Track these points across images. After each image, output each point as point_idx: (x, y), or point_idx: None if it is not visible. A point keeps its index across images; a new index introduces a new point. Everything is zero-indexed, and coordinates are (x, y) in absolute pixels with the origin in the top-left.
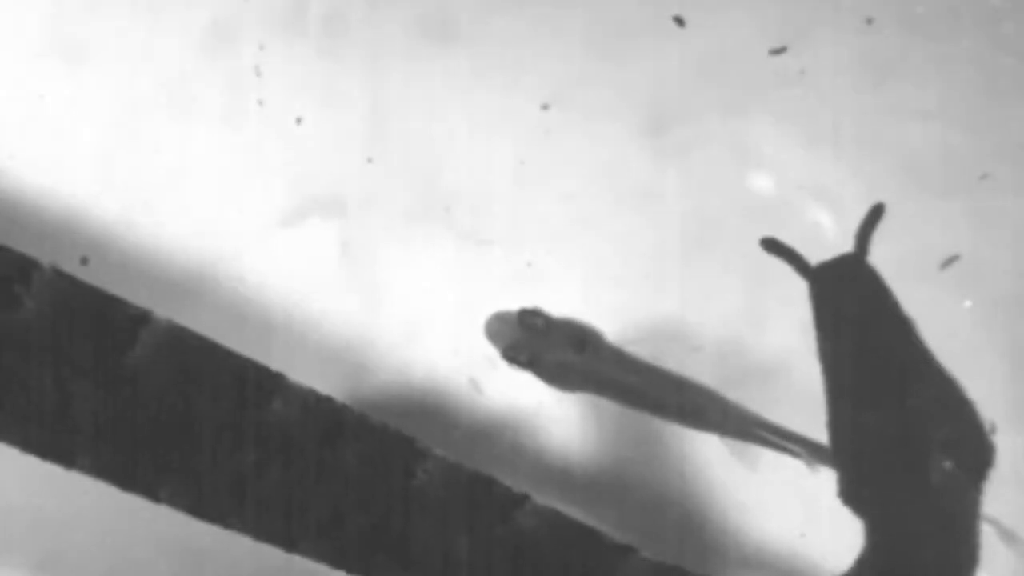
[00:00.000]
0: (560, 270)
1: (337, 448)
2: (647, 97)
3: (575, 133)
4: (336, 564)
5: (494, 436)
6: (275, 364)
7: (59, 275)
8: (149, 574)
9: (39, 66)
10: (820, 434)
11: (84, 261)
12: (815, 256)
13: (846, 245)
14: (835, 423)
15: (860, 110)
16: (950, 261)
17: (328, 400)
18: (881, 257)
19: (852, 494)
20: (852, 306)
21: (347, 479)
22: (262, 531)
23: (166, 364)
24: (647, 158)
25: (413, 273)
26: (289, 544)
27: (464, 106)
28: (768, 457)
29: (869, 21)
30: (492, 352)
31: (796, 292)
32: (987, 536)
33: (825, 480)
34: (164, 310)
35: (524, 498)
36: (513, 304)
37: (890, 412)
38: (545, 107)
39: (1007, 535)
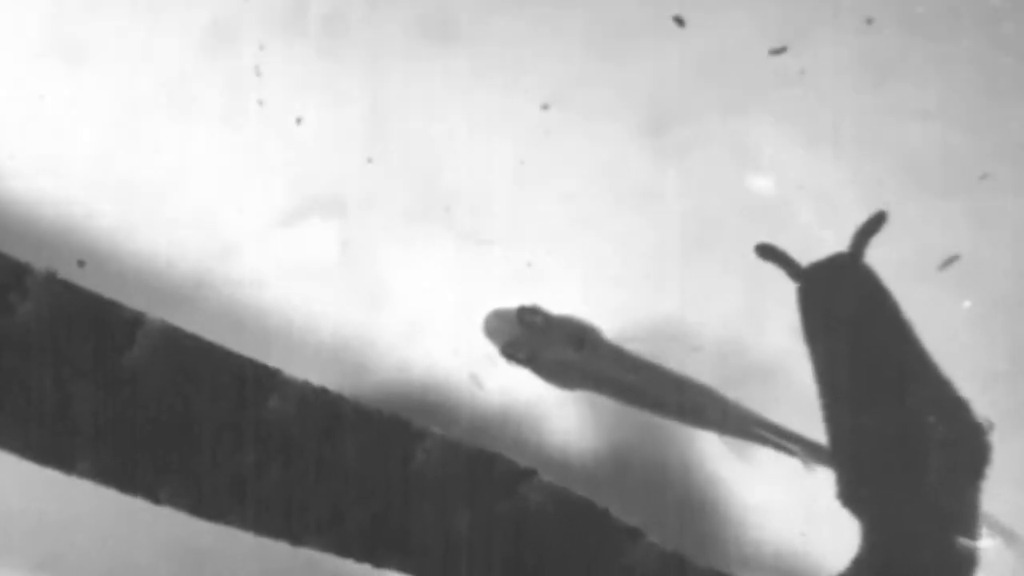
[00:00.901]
0: (560, 270)
1: (335, 440)
2: (647, 97)
3: (575, 133)
4: (340, 553)
5: (494, 433)
6: (275, 363)
7: (54, 280)
8: None
9: (39, 66)
10: (819, 434)
11: (81, 264)
12: (815, 256)
13: (845, 245)
14: (832, 424)
15: (860, 110)
16: (949, 261)
17: (324, 392)
18: (881, 257)
19: (850, 494)
20: (845, 307)
21: (346, 471)
22: (263, 527)
23: (163, 365)
24: (647, 158)
25: (413, 273)
26: (291, 538)
27: (464, 106)
28: (767, 456)
29: (869, 21)
30: (492, 350)
31: (796, 293)
32: (986, 536)
33: (824, 480)
34: (163, 311)
35: (530, 473)
36: (513, 303)
37: (887, 412)
38: (545, 107)
39: (1007, 535)
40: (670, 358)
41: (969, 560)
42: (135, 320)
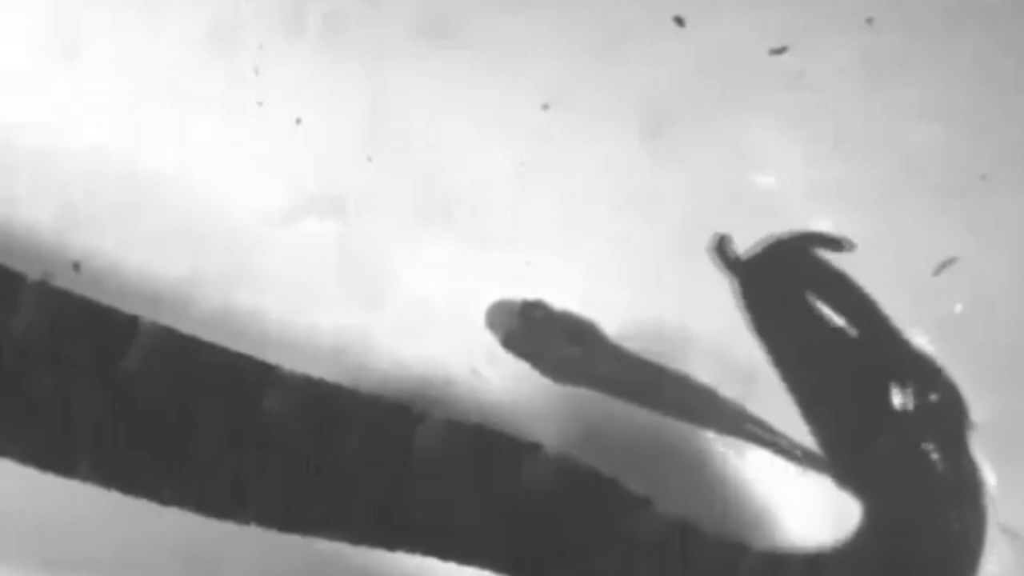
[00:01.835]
0: (560, 269)
1: (337, 430)
2: (647, 97)
3: (575, 133)
4: (348, 541)
5: (494, 427)
6: (275, 361)
7: (48, 289)
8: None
9: (39, 66)
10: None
11: (76, 267)
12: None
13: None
14: (806, 408)
15: (860, 110)
16: (945, 265)
17: (322, 383)
18: (880, 257)
19: (844, 476)
20: (791, 297)
21: (350, 459)
22: (270, 521)
23: (160, 368)
24: (647, 158)
25: (413, 271)
26: (299, 530)
27: (464, 106)
28: (764, 456)
29: (869, 21)
30: (492, 348)
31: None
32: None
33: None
34: (163, 311)
35: (535, 447)
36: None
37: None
38: (545, 107)
39: (1008, 532)
40: (668, 357)
41: (975, 544)
42: (132, 324)
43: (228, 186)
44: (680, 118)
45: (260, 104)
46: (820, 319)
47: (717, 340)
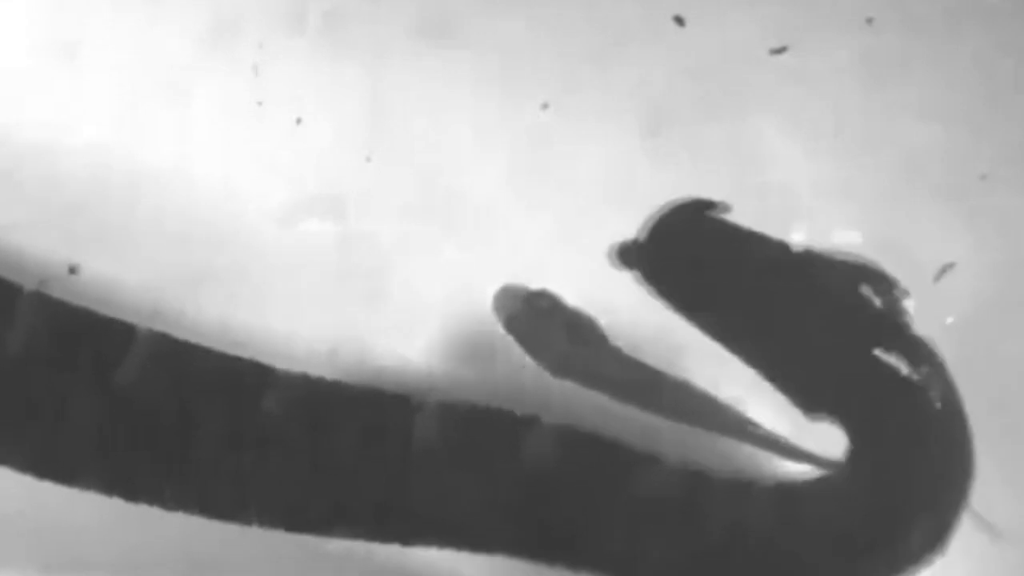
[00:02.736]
0: (559, 269)
1: (335, 427)
2: (647, 97)
3: (575, 133)
4: (353, 537)
5: None
6: (275, 360)
7: (44, 299)
8: None
9: (38, 65)
10: (809, 435)
11: (73, 270)
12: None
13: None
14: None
15: (860, 110)
16: (944, 270)
17: (319, 381)
18: (880, 257)
19: (812, 404)
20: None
21: (350, 458)
22: (274, 521)
23: (157, 374)
24: (647, 158)
25: (412, 271)
26: (306, 529)
27: (464, 106)
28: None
29: (869, 21)
30: (492, 348)
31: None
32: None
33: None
34: (162, 311)
35: (532, 420)
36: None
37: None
38: (545, 106)
39: (989, 529)
40: (668, 358)
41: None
42: (127, 333)
43: (228, 186)
44: (680, 118)
45: (260, 104)
46: (743, 278)
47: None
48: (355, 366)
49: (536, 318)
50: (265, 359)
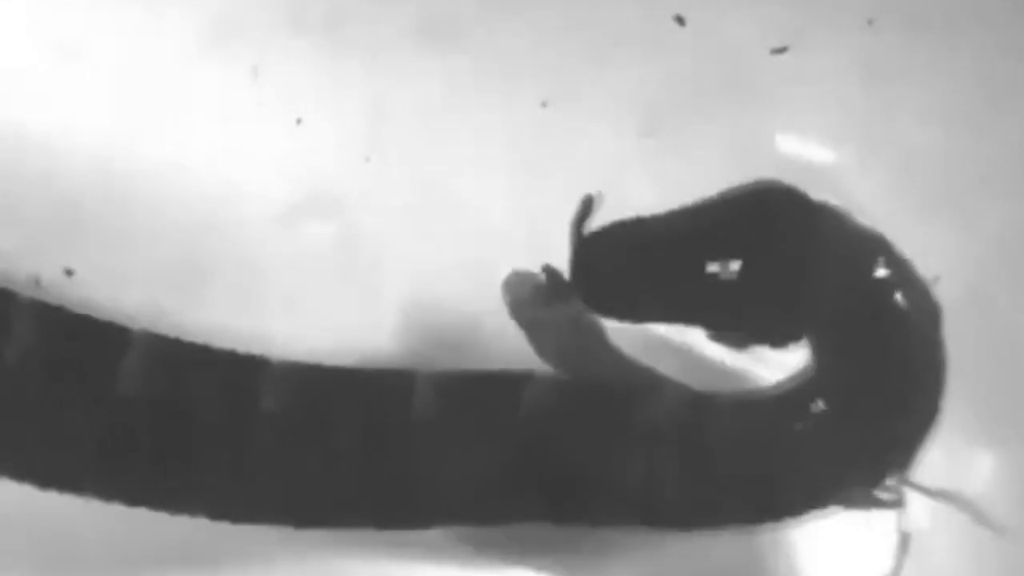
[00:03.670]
0: (558, 268)
1: (337, 413)
2: (647, 96)
3: (574, 132)
4: (366, 526)
5: None
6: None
7: (39, 305)
8: None
9: (38, 64)
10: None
11: (69, 273)
12: None
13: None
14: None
15: (860, 110)
16: (936, 281)
17: (317, 368)
18: None
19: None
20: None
21: (354, 443)
22: (278, 518)
23: (155, 377)
24: (647, 158)
25: (412, 271)
26: (312, 523)
27: (463, 105)
28: None
29: (870, 22)
30: (491, 349)
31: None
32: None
33: None
34: (161, 311)
35: (529, 375)
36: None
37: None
38: (544, 104)
39: (976, 514)
40: (667, 359)
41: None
42: (123, 337)
43: (227, 186)
44: (680, 117)
45: (260, 104)
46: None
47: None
48: (354, 362)
49: (541, 306)
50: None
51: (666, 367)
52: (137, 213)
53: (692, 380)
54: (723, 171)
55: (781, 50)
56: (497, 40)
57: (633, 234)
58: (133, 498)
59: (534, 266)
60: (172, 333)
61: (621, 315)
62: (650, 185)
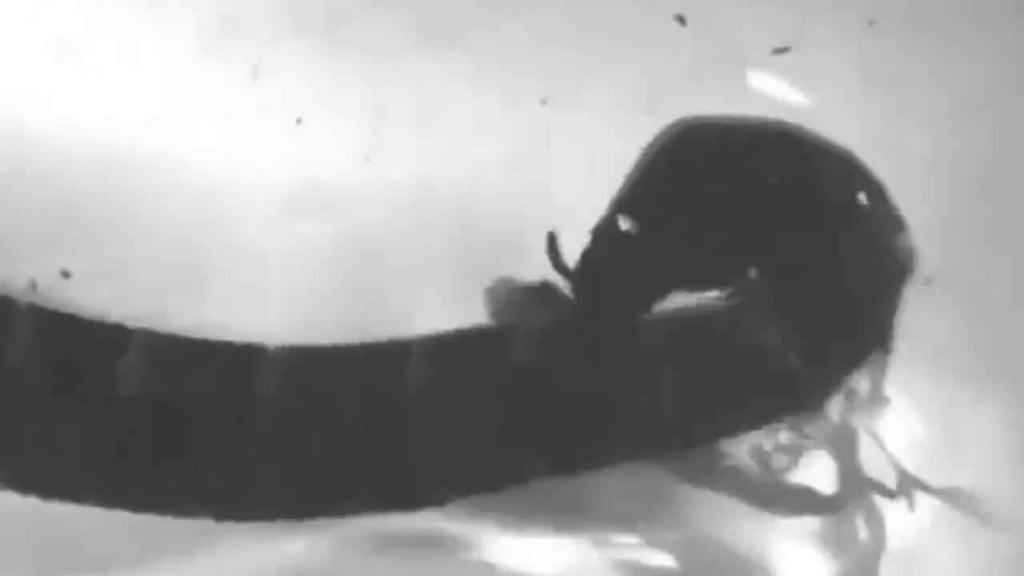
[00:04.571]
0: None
1: (335, 393)
2: (647, 96)
3: (574, 132)
4: (374, 511)
5: None
6: None
7: (39, 311)
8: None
9: (38, 64)
10: None
11: (66, 275)
12: None
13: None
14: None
15: (861, 111)
16: (928, 282)
17: (312, 350)
18: None
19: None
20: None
21: (355, 420)
22: (274, 513)
23: (155, 376)
24: None
25: (412, 271)
26: (322, 512)
27: (463, 105)
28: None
29: (870, 22)
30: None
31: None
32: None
33: None
34: (161, 311)
35: (513, 328)
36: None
37: None
38: (544, 102)
39: (981, 514)
40: None
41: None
42: (121, 339)
43: (228, 186)
44: (680, 117)
45: (260, 104)
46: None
47: None
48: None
49: (521, 311)
50: None
51: None
52: (137, 212)
53: None
54: None
55: (782, 50)
56: (497, 40)
57: (633, 243)
58: (135, 503)
59: (534, 266)
60: (171, 333)
61: (621, 322)
62: None
